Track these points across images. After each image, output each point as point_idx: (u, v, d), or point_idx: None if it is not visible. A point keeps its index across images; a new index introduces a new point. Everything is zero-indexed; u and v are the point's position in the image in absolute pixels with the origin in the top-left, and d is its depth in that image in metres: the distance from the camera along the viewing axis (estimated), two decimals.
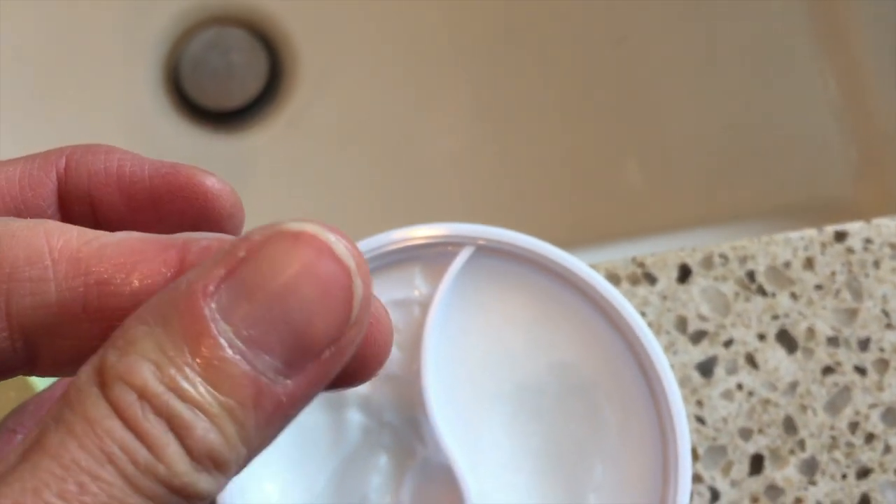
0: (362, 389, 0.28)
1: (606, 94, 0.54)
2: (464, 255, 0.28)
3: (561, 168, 0.52)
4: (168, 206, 0.22)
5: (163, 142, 0.64)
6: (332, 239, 0.17)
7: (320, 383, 0.17)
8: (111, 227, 0.22)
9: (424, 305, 0.28)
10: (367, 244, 0.28)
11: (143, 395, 0.16)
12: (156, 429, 0.16)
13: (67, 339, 0.19)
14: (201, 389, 0.16)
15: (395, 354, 0.28)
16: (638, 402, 0.28)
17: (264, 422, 0.17)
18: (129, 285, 0.18)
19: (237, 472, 0.17)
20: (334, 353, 0.17)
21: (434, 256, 0.29)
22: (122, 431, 0.16)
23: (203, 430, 0.16)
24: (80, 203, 0.22)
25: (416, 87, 0.61)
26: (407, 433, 0.28)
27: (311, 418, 0.28)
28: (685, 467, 0.27)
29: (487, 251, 0.28)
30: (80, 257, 0.18)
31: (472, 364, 0.28)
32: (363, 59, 0.62)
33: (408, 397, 0.28)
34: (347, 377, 0.19)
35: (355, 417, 0.28)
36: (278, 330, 0.16)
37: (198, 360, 0.16)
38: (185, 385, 0.16)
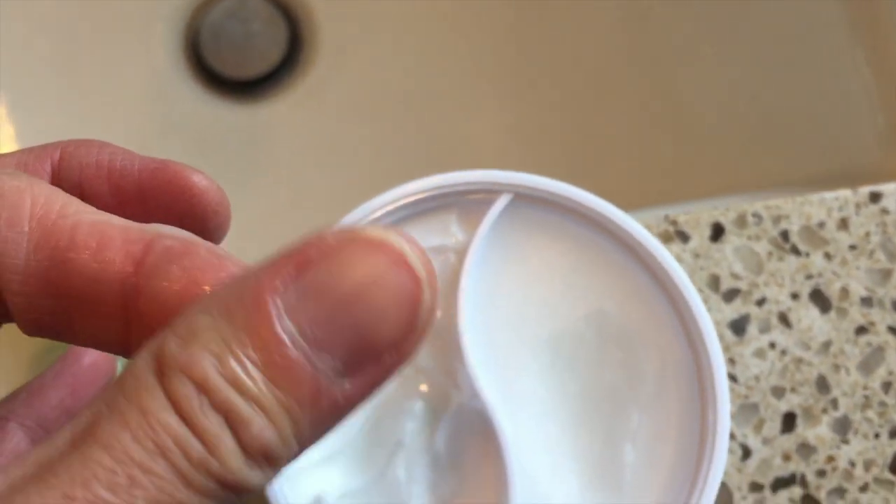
0: None
1: (633, 65, 0.54)
2: (501, 202, 0.28)
3: (587, 140, 0.52)
4: (155, 201, 0.22)
5: (181, 111, 0.64)
6: (407, 249, 0.17)
7: (377, 385, 0.17)
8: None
9: (461, 253, 0.28)
10: (404, 190, 0.28)
11: (203, 389, 0.16)
12: (212, 424, 0.16)
13: (30, 306, 0.19)
14: (261, 385, 0.16)
15: None
16: (676, 352, 0.27)
17: (319, 420, 0.17)
18: (90, 269, 0.18)
19: (287, 466, 0.17)
20: (395, 358, 0.17)
21: (471, 204, 0.28)
22: (177, 426, 0.16)
23: (259, 426, 0.16)
24: (71, 193, 0.22)
25: (436, 58, 0.61)
26: (442, 379, 0.28)
27: None
28: (724, 417, 0.26)
29: (525, 199, 0.28)
30: (53, 230, 0.19)
31: (508, 312, 0.28)
32: (383, 29, 0.62)
33: (443, 344, 0.28)
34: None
35: None
36: (343, 333, 0.16)
37: (260, 356, 0.16)
38: (246, 380, 0.16)
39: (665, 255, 0.27)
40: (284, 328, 0.16)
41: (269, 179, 0.59)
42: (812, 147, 0.46)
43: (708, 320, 0.27)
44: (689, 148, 0.50)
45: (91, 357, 0.27)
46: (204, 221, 0.22)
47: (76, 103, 0.61)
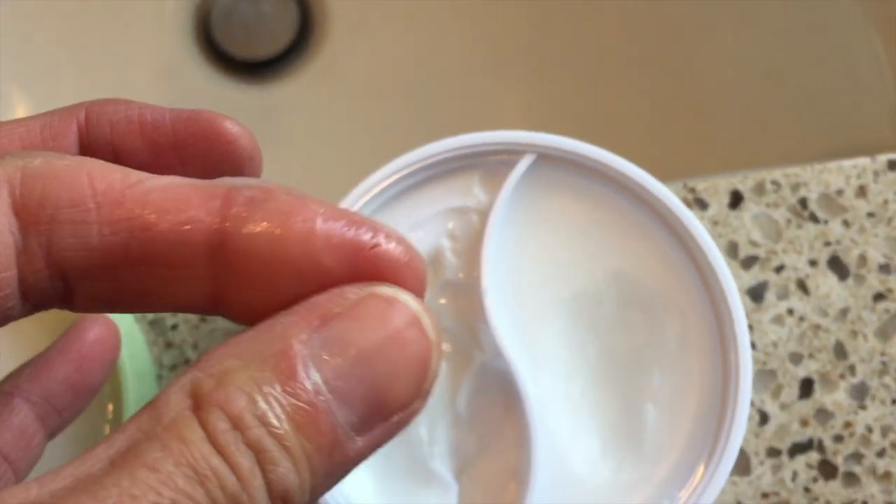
0: None
1: (650, 41, 0.54)
2: (524, 163, 0.28)
3: (603, 118, 0.52)
4: (190, 150, 0.22)
5: (193, 91, 0.64)
6: (420, 311, 0.17)
7: (380, 445, 0.18)
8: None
9: (483, 214, 0.28)
10: (427, 150, 0.28)
11: (238, 426, 0.16)
12: (246, 460, 0.16)
13: (106, 281, 0.19)
14: (288, 430, 0.16)
15: (452, 261, 0.28)
16: (699, 314, 0.28)
17: (331, 472, 0.17)
18: (174, 232, 0.18)
19: None
20: (401, 419, 0.17)
21: (493, 165, 0.28)
22: (215, 458, 0.16)
23: (286, 469, 0.16)
24: (103, 153, 0.22)
25: (447, 36, 0.61)
26: (465, 339, 0.28)
27: None
28: (745, 377, 0.27)
29: (548, 160, 0.28)
30: (124, 202, 0.18)
31: (530, 272, 0.28)
32: (393, 8, 0.62)
33: (466, 304, 0.28)
34: None
35: None
36: (362, 387, 0.17)
37: (288, 401, 0.16)
38: (275, 422, 0.16)
39: (688, 215, 0.28)
40: (310, 376, 0.17)
41: (280, 160, 0.59)
42: (826, 123, 0.46)
43: (731, 280, 0.27)
44: (706, 125, 0.50)
45: (95, 332, 0.27)
46: (240, 168, 0.22)
47: (86, 84, 0.61)
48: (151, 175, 0.19)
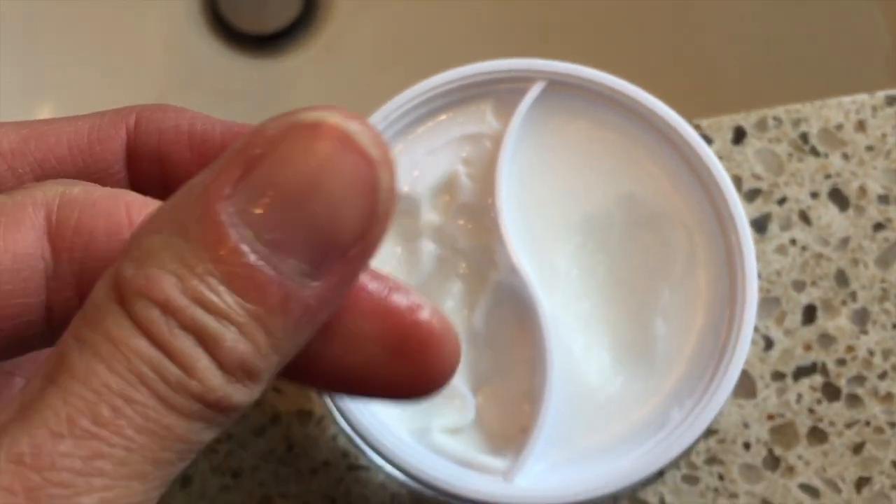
0: (435, 221, 0.29)
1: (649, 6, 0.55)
2: (535, 90, 0.29)
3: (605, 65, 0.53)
4: None
5: (199, 66, 0.64)
6: (354, 128, 0.16)
7: (349, 282, 0.16)
8: (180, 184, 0.21)
9: (496, 139, 0.29)
10: (441, 78, 0.29)
11: (167, 310, 0.15)
12: (184, 344, 0.15)
13: None
14: (227, 299, 0.15)
15: (468, 185, 0.29)
16: (705, 231, 0.29)
17: (293, 326, 0.16)
18: None
19: (271, 379, 0.16)
20: (361, 251, 0.16)
21: (506, 93, 0.29)
22: (149, 350, 0.15)
23: (232, 341, 0.15)
24: (149, 161, 0.22)
25: (453, 8, 0.61)
26: (480, 259, 0.29)
27: (386, 250, 0.29)
28: (752, 289, 0.28)
29: (558, 87, 0.29)
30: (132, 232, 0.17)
31: (542, 195, 0.29)
32: None
33: (481, 225, 0.29)
34: (412, 391, 0.19)
35: (429, 247, 0.29)
36: (302, 231, 0.16)
37: (221, 269, 0.15)
38: (210, 295, 0.15)
39: (696, 138, 0.29)
40: (241, 236, 0.15)
41: None
42: (822, 72, 0.48)
43: (737, 200, 0.28)
44: (709, 68, 0.51)
45: None
46: None
47: (94, 58, 0.61)
48: (163, 205, 0.18)
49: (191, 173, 0.20)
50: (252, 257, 0.15)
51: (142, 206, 0.18)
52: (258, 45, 0.64)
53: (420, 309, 0.18)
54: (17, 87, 0.59)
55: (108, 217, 0.18)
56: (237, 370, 0.16)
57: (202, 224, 0.15)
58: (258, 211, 0.15)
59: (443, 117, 0.30)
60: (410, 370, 0.18)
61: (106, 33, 0.62)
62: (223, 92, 0.63)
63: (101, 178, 0.21)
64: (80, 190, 0.18)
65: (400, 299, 0.18)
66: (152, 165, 0.21)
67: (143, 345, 0.15)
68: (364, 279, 0.18)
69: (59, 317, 0.18)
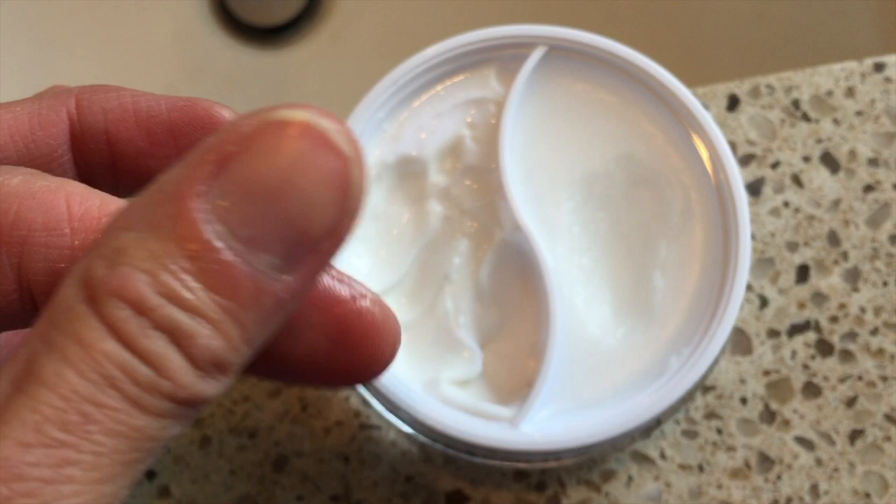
0: (442, 182, 0.31)
1: None
2: (536, 55, 0.30)
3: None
4: (186, 139, 0.21)
5: (206, 57, 0.65)
6: (327, 126, 0.16)
7: (318, 273, 0.17)
8: (129, 161, 0.22)
9: (500, 103, 0.30)
10: (446, 45, 0.30)
11: (140, 310, 0.15)
12: (156, 344, 0.15)
13: None
14: (201, 295, 0.15)
15: (473, 148, 0.31)
16: (701, 188, 0.30)
17: (264, 319, 0.16)
18: None
19: (242, 369, 0.17)
20: (332, 243, 0.16)
21: (508, 59, 0.31)
22: (120, 352, 0.15)
23: (206, 337, 0.15)
24: (96, 141, 0.21)
25: (460, 1, 0.62)
26: (485, 218, 0.30)
27: (395, 211, 0.31)
28: (745, 242, 0.29)
29: (559, 51, 0.31)
30: (101, 228, 0.18)
31: (544, 155, 0.31)
32: None
33: (486, 186, 0.30)
34: (353, 378, 0.20)
35: (436, 208, 0.30)
36: (276, 227, 0.16)
37: (194, 265, 0.15)
38: (184, 292, 0.15)
39: (691, 98, 0.30)
40: (216, 232, 0.15)
41: None
42: (813, 41, 0.49)
43: (731, 157, 0.29)
44: (700, 45, 0.53)
45: None
46: None
47: (102, 50, 0.62)
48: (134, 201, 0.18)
49: (139, 149, 0.21)
50: (226, 253, 0.15)
51: (83, 198, 0.18)
52: (265, 36, 0.66)
53: (362, 297, 0.19)
54: (25, 80, 0.60)
55: (48, 211, 0.18)
56: (209, 366, 0.16)
57: (175, 221, 0.15)
58: (231, 207, 0.15)
59: (448, 83, 0.31)
60: (353, 358, 0.19)
61: (114, 26, 0.63)
62: (231, 83, 0.64)
63: (44, 162, 0.21)
64: (19, 181, 0.18)
65: (342, 289, 0.19)
66: (99, 145, 0.21)
67: (113, 347, 0.15)
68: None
69: (1, 311, 0.18)
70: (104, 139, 0.21)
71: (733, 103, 0.35)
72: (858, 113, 0.35)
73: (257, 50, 0.66)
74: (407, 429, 0.31)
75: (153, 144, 0.21)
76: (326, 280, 0.19)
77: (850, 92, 0.35)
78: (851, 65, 0.36)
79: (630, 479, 0.33)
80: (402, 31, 0.63)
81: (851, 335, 0.34)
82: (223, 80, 0.65)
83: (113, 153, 0.22)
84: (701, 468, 0.33)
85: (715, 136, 0.30)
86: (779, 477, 0.33)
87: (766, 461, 0.33)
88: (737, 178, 0.29)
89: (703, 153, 0.30)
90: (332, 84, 0.64)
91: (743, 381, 0.33)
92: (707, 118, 0.30)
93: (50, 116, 0.21)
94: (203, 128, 0.21)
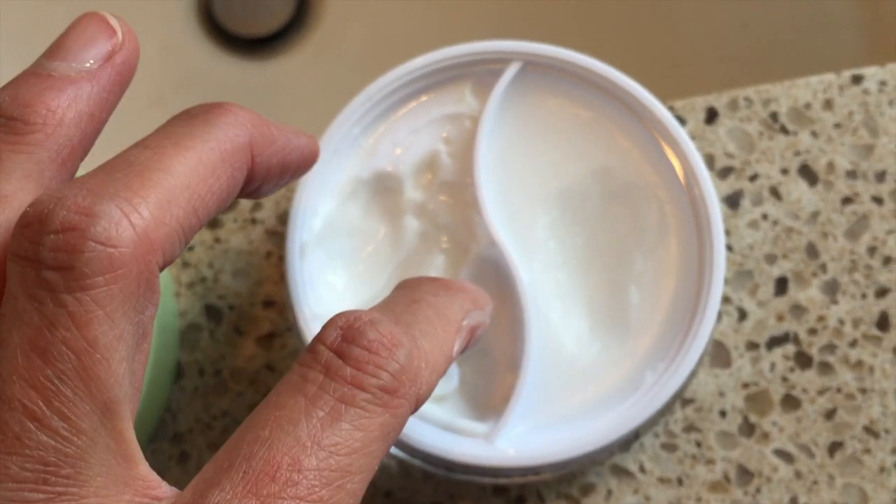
0: (418, 198, 0.31)
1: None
2: (512, 70, 0.30)
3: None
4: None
5: (194, 68, 0.65)
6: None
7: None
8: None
9: (475, 118, 0.31)
10: (420, 62, 0.31)
11: None
12: None
13: None
14: None
15: (448, 163, 0.31)
16: (676, 203, 0.30)
17: None
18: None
19: None
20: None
21: (483, 74, 0.31)
22: None
23: None
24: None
25: (446, 8, 0.62)
26: (461, 233, 0.30)
27: (371, 226, 0.31)
28: (720, 256, 0.29)
29: (534, 67, 0.31)
30: None
31: (519, 171, 0.31)
32: None
33: (462, 201, 0.30)
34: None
35: (412, 224, 0.30)
36: None
37: None
38: None
39: (667, 115, 0.30)
40: None
41: None
42: (790, 54, 0.49)
43: (705, 172, 0.30)
44: (681, 50, 0.53)
45: None
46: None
47: None
48: None
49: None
50: None
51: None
52: (252, 47, 0.66)
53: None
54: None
55: None
56: None
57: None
58: None
59: (424, 98, 0.31)
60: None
61: None
62: (218, 94, 0.65)
63: None
64: None
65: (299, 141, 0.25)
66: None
67: None
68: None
69: None
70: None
71: (711, 116, 0.35)
72: (837, 125, 0.35)
73: (245, 61, 0.66)
74: None
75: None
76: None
77: (828, 104, 0.36)
78: (829, 77, 0.36)
79: (609, 492, 0.33)
80: (389, 43, 0.63)
81: (830, 347, 0.34)
82: (210, 90, 0.65)
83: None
84: (680, 481, 0.33)
85: (689, 151, 0.30)
86: (758, 490, 0.33)
87: (745, 474, 0.33)
88: (711, 192, 0.29)
89: (678, 167, 0.30)
90: (319, 95, 0.64)
91: (722, 394, 0.33)
92: (681, 133, 0.30)
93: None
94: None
